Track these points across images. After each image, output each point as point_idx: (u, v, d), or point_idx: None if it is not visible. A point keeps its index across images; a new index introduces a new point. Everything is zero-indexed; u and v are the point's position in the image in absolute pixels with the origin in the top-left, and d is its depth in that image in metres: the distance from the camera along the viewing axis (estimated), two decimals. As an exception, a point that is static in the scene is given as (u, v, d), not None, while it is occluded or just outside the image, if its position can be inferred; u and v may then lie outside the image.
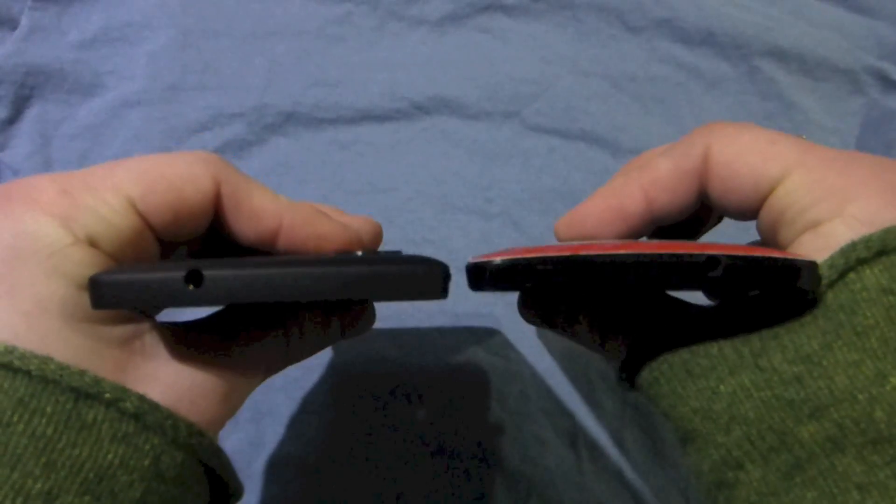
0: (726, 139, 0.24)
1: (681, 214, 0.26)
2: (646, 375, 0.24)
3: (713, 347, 0.22)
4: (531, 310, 0.29)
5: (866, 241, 0.21)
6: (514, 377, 0.42)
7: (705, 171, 0.25)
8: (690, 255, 0.20)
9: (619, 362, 0.25)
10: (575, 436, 0.42)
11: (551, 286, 0.21)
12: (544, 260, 0.20)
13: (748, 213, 0.25)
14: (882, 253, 0.20)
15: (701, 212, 0.27)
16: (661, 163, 0.25)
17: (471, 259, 0.22)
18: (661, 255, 0.20)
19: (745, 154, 0.24)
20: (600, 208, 0.26)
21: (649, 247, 0.20)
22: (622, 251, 0.20)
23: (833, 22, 0.46)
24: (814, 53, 0.45)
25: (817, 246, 0.22)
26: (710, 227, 0.29)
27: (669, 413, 0.23)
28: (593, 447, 0.42)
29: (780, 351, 0.21)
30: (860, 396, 0.20)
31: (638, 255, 0.20)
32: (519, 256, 0.21)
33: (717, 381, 0.22)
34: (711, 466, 0.22)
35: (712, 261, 0.20)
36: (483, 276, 0.21)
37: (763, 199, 0.24)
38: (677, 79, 0.46)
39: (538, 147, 0.45)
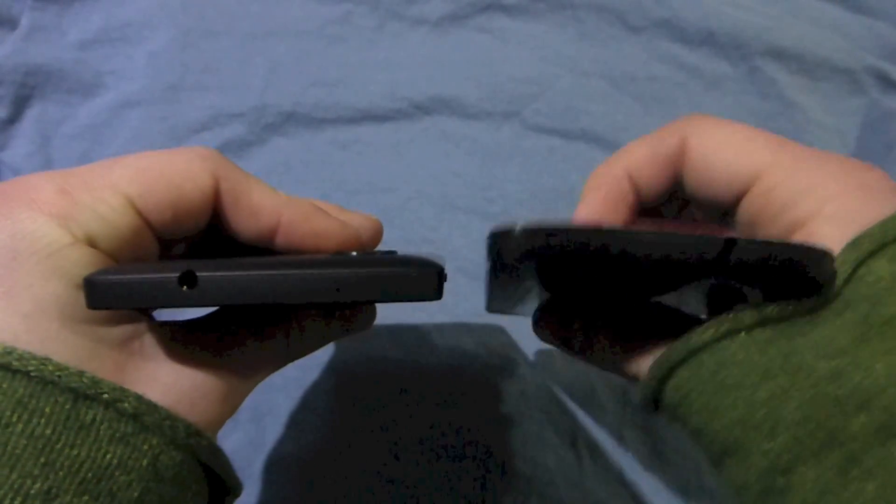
0: (704, 132, 0.25)
1: (657, 199, 0.27)
2: (672, 395, 0.23)
3: (738, 355, 0.22)
4: (547, 325, 0.29)
5: (869, 235, 0.21)
6: (514, 377, 0.42)
7: (682, 161, 0.25)
8: (711, 238, 0.20)
9: (641, 384, 0.25)
10: (575, 436, 0.42)
11: (570, 261, 0.21)
12: (567, 229, 0.20)
13: (722, 206, 0.25)
14: (884, 245, 0.21)
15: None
16: (638, 147, 0.26)
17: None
18: (680, 235, 0.20)
19: (720, 149, 0.24)
20: (597, 203, 0.26)
21: (669, 227, 0.21)
22: (643, 229, 0.20)
23: (833, 22, 0.46)
24: (814, 53, 0.45)
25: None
26: None
27: (704, 429, 0.23)
28: (593, 447, 0.42)
29: (812, 349, 0.21)
30: None
31: (657, 234, 0.20)
32: (542, 226, 0.20)
33: (752, 388, 0.21)
34: (759, 475, 0.22)
35: (731, 243, 0.20)
36: (502, 243, 0.21)
37: (737, 195, 0.24)
38: (677, 79, 0.46)
39: (538, 147, 0.45)
